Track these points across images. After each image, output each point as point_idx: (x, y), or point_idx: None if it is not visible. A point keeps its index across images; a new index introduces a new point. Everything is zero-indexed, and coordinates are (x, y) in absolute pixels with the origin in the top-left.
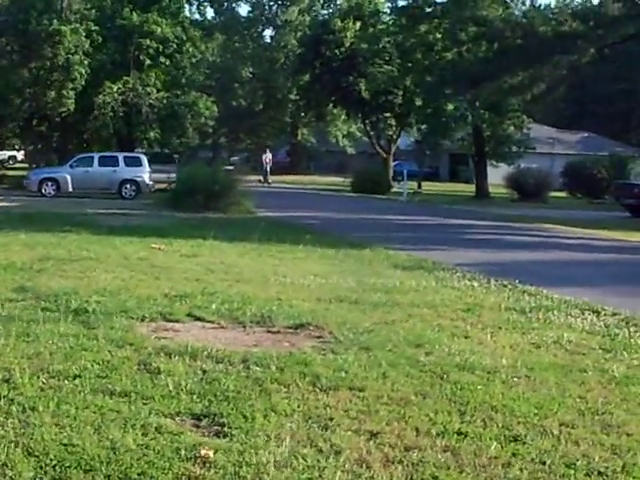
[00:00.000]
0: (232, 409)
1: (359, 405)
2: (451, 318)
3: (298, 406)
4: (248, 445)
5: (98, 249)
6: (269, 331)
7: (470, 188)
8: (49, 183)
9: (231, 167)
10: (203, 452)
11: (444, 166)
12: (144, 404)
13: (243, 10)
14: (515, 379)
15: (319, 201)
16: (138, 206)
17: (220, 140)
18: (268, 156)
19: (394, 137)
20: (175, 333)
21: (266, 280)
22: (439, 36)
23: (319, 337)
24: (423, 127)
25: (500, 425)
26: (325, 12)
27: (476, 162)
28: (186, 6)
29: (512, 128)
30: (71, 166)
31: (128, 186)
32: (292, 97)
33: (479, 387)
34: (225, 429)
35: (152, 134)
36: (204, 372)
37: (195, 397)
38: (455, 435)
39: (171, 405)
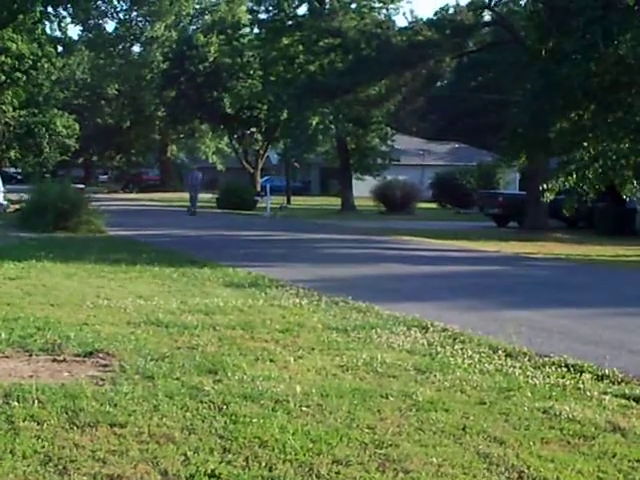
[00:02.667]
0: None
1: (112, 444)
2: (265, 340)
3: (43, 447)
4: None
5: None
6: (55, 360)
7: (339, 201)
8: None
9: (82, 185)
10: None
11: (315, 180)
12: None
13: (111, 26)
14: (303, 408)
15: (180, 218)
16: None
17: (92, 158)
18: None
19: (261, 152)
20: None
21: (82, 303)
22: (301, 49)
23: (105, 366)
24: (288, 141)
25: (263, 464)
26: (193, 27)
27: (341, 175)
28: (46, 23)
29: (376, 140)
30: None
31: None
32: (160, 114)
33: (255, 420)
34: None
35: (12, 153)
36: None
37: None
38: (206, 477)
39: None
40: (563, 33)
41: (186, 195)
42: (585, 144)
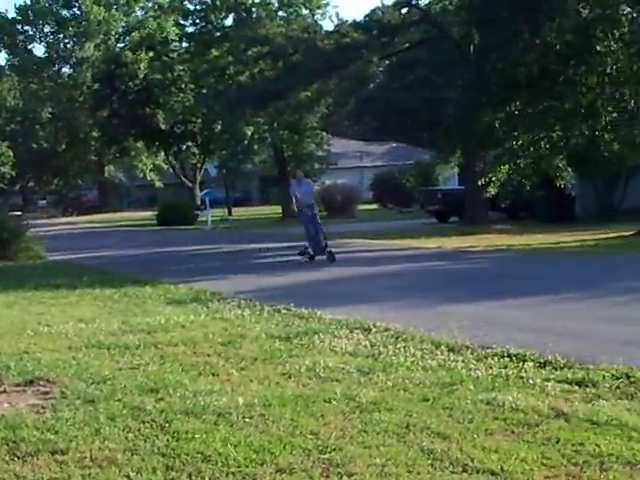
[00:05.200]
0: None
1: (54, 471)
2: (207, 354)
3: None
4: None
5: None
6: None
7: (280, 210)
8: None
9: (19, 212)
10: None
11: (255, 190)
12: None
13: (39, 50)
14: (246, 420)
15: (120, 238)
16: None
17: (29, 184)
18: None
19: (198, 165)
20: None
21: (23, 331)
22: (230, 59)
23: (46, 393)
24: (224, 153)
25: (207, 479)
26: (121, 45)
27: (280, 183)
28: None
29: (312, 146)
30: None
31: None
32: (94, 134)
33: (198, 435)
34: None
35: None
36: None
37: None
38: None
39: None
40: (489, 25)
41: (129, 215)
42: (515, 134)
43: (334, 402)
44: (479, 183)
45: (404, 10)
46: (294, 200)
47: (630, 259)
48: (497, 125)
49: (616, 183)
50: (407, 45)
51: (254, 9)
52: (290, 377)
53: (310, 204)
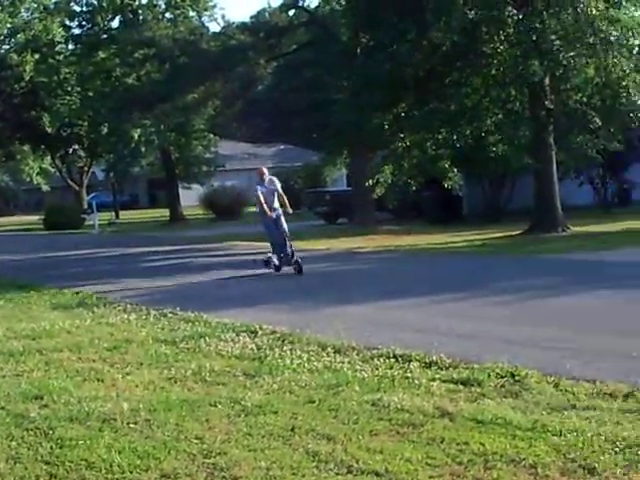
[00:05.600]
0: None
1: None
2: (93, 360)
3: None
4: None
5: None
6: None
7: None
8: None
9: None
10: None
11: (143, 193)
12: None
13: None
14: (131, 425)
15: (6, 242)
16: None
17: None
18: None
19: (85, 169)
20: None
21: None
22: (117, 61)
23: None
24: (111, 156)
25: None
26: (6, 47)
27: (167, 185)
28: None
29: (200, 148)
30: None
31: None
32: None
33: (82, 442)
34: None
35: None
36: None
37: None
38: None
39: None
40: (375, 28)
41: (17, 219)
42: (402, 135)
43: (219, 406)
44: (367, 184)
45: (291, 12)
46: (260, 201)
47: (516, 258)
48: (385, 127)
49: (502, 183)
50: (295, 47)
51: (141, 11)
52: (176, 381)
53: (274, 206)
